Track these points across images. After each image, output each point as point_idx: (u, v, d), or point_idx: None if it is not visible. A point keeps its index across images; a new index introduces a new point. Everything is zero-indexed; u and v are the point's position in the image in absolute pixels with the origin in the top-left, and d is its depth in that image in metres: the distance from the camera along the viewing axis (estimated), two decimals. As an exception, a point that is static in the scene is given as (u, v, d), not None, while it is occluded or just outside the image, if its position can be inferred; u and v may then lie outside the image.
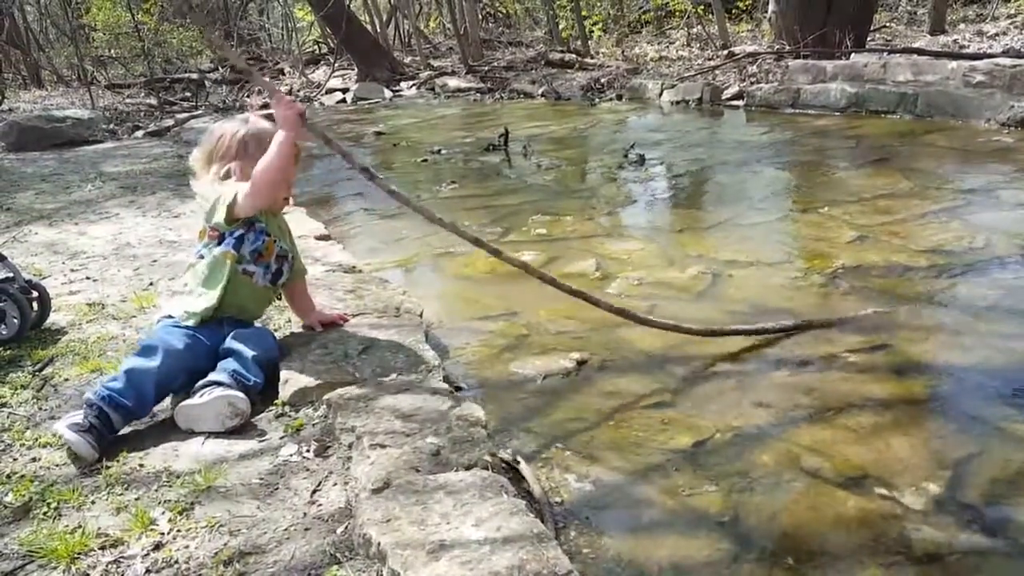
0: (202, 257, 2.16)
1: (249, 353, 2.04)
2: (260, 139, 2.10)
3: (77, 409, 1.95)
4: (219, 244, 2.14)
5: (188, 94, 11.07)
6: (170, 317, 2.13)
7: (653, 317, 2.45)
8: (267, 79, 2.09)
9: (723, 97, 7.82)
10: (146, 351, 1.98)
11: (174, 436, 1.88)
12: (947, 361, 2.31)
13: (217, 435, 1.86)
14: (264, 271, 2.18)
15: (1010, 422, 1.95)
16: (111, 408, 1.85)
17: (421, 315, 2.51)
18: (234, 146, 2.13)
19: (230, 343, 2.06)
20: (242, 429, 1.89)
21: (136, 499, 1.62)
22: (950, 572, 1.48)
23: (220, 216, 2.09)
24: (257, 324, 2.30)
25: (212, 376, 1.96)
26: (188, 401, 1.90)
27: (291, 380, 2.02)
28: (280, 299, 2.42)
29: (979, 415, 2.00)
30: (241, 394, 1.92)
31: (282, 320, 2.55)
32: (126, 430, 1.91)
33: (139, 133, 8.45)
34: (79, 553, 1.46)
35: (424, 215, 2.26)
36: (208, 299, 2.10)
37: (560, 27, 13.16)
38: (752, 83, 7.95)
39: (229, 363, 2.01)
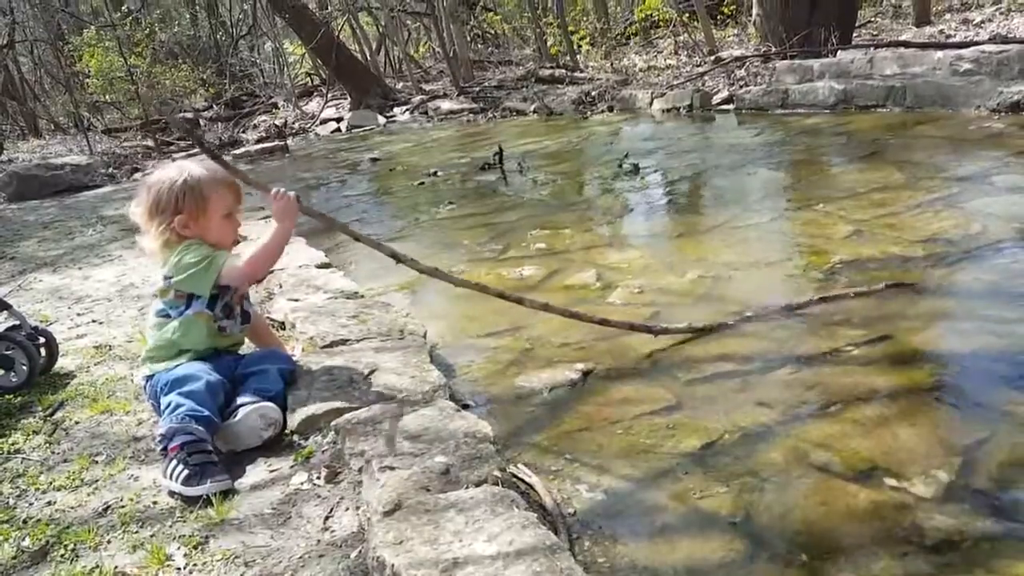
0: (168, 316, 2.12)
1: (267, 367, 2.12)
2: (197, 190, 2.07)
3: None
4: (188, 306, 2.11)
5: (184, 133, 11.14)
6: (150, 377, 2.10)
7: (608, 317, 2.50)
8: (256, 180, 2.17)
9: (713, 102, 7.85)
10: (180, 381, 1.99)
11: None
12: (950, 348, 2.32)
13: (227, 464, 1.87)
14: (235, 322, 2.20)
15: (1017, 406, 1.95)
16: (197, 423, 1.86)
17: (425, 336, 2.53)
18: (172, 201, 2.06)
19: (246, 368, 2.11)
20: (272, 444, 1.94)
21: (151, 536, 1.64)
22: (964, 559, 1.48)
23: (202, 289, 2.08)
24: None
25: (238, 400, 2.00)
26: (224, 424, 1.95)
27: (299, 409, 2.03)
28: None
29: (985, 401, 2.00)
30: (269, 403, 1.99)
31: (287, 348, 2.56)
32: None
33: (138, 175, 8.53)
34: (98, 593, 1.48)
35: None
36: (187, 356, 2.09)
37: (548, 43, 13.25)
38: (741, 86, 7.99)
39: (249, 383, 2.06)
